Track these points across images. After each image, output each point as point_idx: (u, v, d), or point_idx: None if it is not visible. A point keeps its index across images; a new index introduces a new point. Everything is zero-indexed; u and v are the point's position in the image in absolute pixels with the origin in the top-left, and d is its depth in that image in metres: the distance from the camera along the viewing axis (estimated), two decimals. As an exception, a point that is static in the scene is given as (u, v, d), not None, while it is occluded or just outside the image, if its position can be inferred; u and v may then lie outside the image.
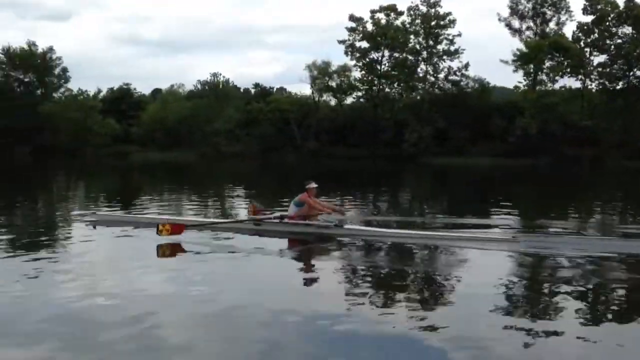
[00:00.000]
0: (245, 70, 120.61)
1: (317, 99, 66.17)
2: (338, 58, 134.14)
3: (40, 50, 66.43)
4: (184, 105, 65.74)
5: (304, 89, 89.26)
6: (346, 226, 9.92)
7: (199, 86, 68.59)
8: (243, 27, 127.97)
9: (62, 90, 68.13)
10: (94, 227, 10.62)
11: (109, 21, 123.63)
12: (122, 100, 68.77)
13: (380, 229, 10.36)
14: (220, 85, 67.58)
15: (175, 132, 63.47)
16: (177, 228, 9.09)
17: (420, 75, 61.51)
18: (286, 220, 10.11)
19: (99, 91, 69.76)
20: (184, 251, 8.64)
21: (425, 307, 5.80)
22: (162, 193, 21.51)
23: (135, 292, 6.17)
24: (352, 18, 62.23)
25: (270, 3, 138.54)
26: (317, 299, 6.20)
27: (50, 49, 66.73)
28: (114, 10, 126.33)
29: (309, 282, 7.12)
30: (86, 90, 66.72)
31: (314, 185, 10.49)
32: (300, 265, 8.37)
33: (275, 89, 72.24)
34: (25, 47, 66.05)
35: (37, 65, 66.05)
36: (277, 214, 10.59)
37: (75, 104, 63.68)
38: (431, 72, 61.20)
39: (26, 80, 66.80)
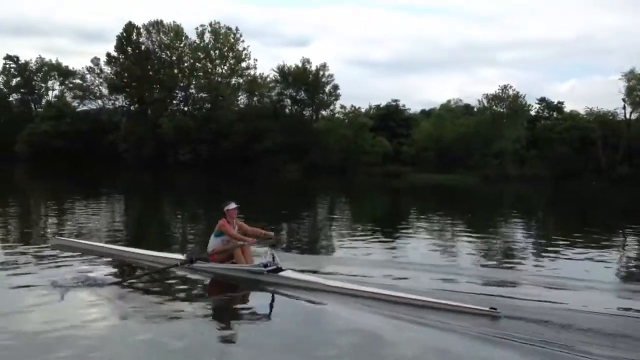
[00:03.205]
0: (475, 89, 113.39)
1: (628, 114, 54.54)
2: (578, 74, 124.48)
3: (314, 67, 65.39)
4: (463, 123, 59.02)
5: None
6: (284, 274, 7.74)
7: (484, 101, 61.05)
8: (472, 45, 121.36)
9: (331, 107, 66.28)
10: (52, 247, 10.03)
11: (341, 45, 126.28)
12: (390, 118, 64.45)
13: (329, 281, 7.67)
14: (511, 100, 59.08)
15: (452, 152, 56.94)
16: None
17: None
18: (198, 262, 8.16)
19: (370, 108, 66.41)
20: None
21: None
22: (431, 219, 19.55)
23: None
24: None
25: (502, 19, 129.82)
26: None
27: (324, 66, 65.43)
28: (347, 35, 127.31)
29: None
30: (359, 107, 63.67)
31: (233, 205, 8.36)
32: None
33: (564, 105, 61.83)
34: (299, 64, 65.62)
35: (309, 82, 64.96)
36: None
37: (346, 122, 60.90)
38: None
39: (298, 97, 66.06)
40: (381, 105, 67.63)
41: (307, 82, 64.88)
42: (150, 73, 66.57)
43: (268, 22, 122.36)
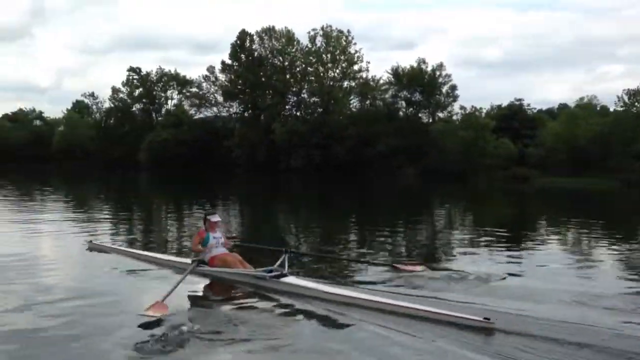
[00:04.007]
0: (595, 87, 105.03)
1: None
2: None
3: (429, 68, 62.43)
4: (599, 122, 53.54)
5: None
6: (287, 280, 7.46)
7: (624, 97, 55.05)
8: (589, 41, 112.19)
9: (449, 109, 62.97)
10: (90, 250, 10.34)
11: (451, 46, 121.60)
12: (514, 118, 59.89)
13: (332, 289, 7.23)
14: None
15: (585, 154, 51.64)
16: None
17: None
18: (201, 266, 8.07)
19: (492, 109, 62.26)
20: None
21: None
22: (563, 230, 16.56)
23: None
24: None
25: (619, 13, 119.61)
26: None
27: (440, 66, 62.27)
28: (456, 35, 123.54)
29: None
30: (481, 108, 59.88)
31: (217, 218, 8.37)
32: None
33: None
34: (415, 65, 62.89)
35: (425, 83, 62.01)
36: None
37: (465, 123, 57.30)
38: None
39: (413, 99, 63.31)
40: (503, 105, 63.16)
41: (422, 83, 61.93)
42: (263, 79, 66.92)
43: (375, 26, 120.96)
